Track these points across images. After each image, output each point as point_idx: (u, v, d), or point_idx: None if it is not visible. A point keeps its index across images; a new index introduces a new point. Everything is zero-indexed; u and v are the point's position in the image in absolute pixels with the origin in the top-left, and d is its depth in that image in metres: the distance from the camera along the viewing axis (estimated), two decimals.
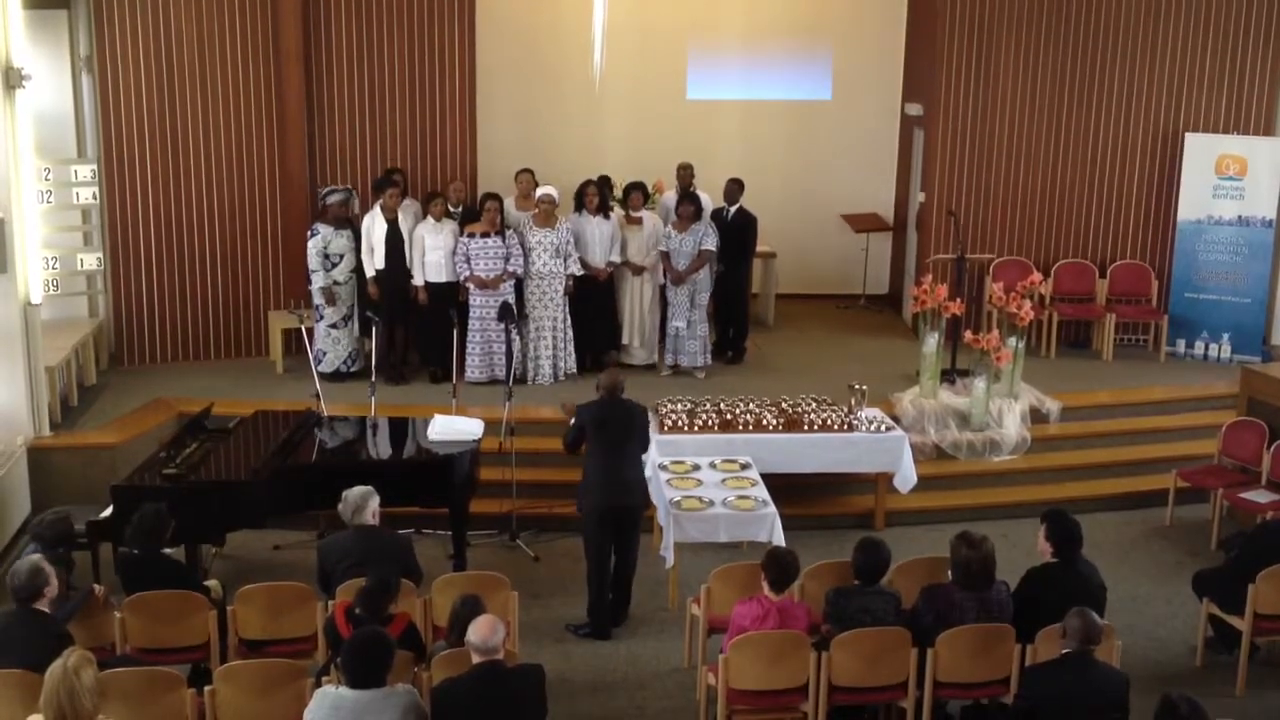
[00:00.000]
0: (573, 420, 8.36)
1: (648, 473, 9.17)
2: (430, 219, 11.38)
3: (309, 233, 11.38)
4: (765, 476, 8.99)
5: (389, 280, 11.35)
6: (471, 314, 11.30)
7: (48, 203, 10.50)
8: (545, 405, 10.78)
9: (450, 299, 11.28)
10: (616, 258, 11.71)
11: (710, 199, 12.25)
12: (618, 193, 12.51)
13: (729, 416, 9.76)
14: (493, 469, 9.52)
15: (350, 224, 11.52)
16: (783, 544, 7.87)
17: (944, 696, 6.85)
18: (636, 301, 11.83)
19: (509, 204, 11.87)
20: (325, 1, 12.03)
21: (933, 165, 13.01)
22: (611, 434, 8.20)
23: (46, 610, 6.32)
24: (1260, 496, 9.40)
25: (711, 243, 11.55)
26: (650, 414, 9.81)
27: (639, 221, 11.79)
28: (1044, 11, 12.67)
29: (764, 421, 9.72)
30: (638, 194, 11.92)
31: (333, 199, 11.42)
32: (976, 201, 12.98)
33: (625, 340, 11.94)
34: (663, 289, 11.79)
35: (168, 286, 11.90)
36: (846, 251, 14.56)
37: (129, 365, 11.90)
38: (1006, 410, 10.70)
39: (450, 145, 12.49)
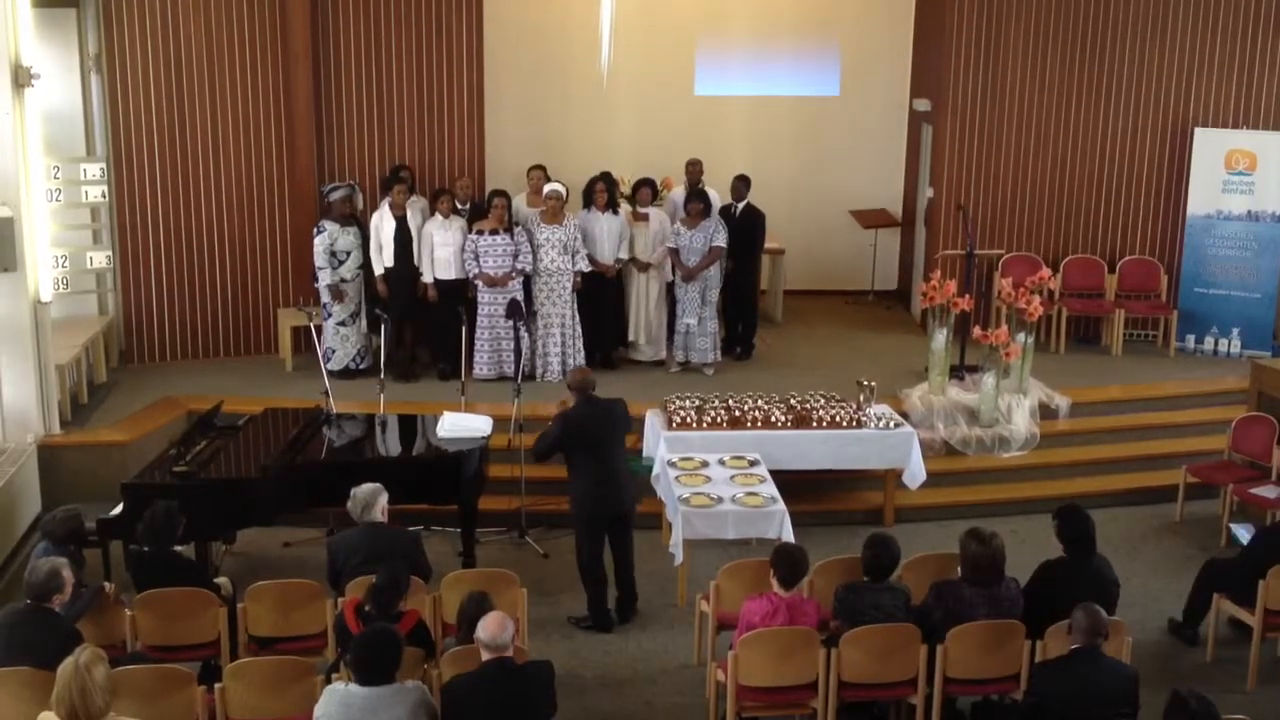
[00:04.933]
0: (551, 424, 8.33)
1: (656, 470, 9.18)
2: (439, 216, 11.39)
3: (315, 230, 11.39)
4: (774, 473, 8.99)
5: (398, 277, 11.37)
6: (480, 311, 11.31)
7: (57, 201, 10.52)
8: (553, 402, 10.76)
9: (459, 296, 11.29)
10: (625, 254, 11.70)
11: (718, 195, 12.25)
12: (623, 189, 12.52)
13: (737, 413, 9.76)
14: (502, 466, 9.54)
15: (356, 220, 11.53)
16: (792, 540, 7.87)
17: (953, 693, 6.84)
18: (643, 298, 11.82)
19: (518, 200, 11.89)
20: (334, 0, 12.05)
21: (941, 161, 12.99)
22: (592, 437, 8.17)
23: (56, 609, 6.34)
24: (1270, 492, 9.38)
25: (722, 239, 11.54)
26: (657, 410, 9.84)
27: (645, 218, 11.78)
28: (1052, 6, 12.64)
29: (772, 418, 9.71)
30: (646, 189, 11.91)
31: (335, 195, 11.43)
32: (985, 197, 12.96)
33: (632, 337, 11.94)
34: (670, 286, 11.79)
35: (177, 284, 11.92)
36: (855, 247, 14.55)
37: (139, 363, 11.93)
38: (1015, 406, 10.69)
39: (458, 142, 12.50)
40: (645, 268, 11.76)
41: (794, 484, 9.25)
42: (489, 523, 9.41)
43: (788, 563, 6.73)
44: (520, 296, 11.16)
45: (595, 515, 8.18)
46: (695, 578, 8.42)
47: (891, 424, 9.81)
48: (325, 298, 11.42)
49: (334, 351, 11.43)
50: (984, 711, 7.09)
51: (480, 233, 11.27)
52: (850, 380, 10.37)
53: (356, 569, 7.01)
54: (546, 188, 11.56)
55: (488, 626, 5.72)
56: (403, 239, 11.33)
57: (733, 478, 8.88)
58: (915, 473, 9.74)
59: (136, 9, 11.39)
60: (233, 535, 9.04)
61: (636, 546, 8.42)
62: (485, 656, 5.72)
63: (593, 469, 8.15)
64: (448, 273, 11.37)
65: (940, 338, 10.82)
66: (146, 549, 7.09)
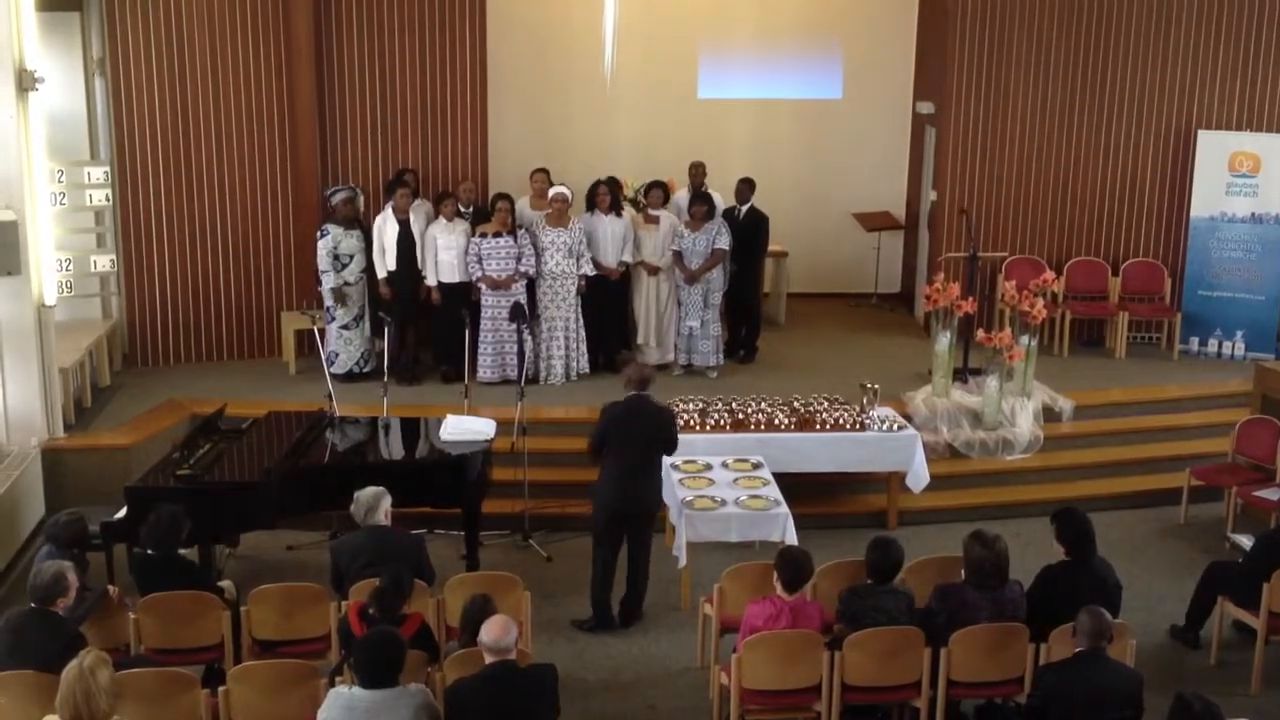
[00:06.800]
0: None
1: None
2: (442, 219, 11.39)
3: (319, 233, 11.39)
4: (777, 476, 8.98)
5: (401, 281, 11.37)
6: (483, 314, 11.31)
7: (61, 204, 10.52)
8: (557, 405, 10.81)
9: (462, 299, 11.29)
10: (628, 257, 11.70)
11: (721, 198, 12.25)
12: (627, 192, 12.52)
13: (741, 416, 9.76)
14: (505, 469, 9.53)
15: (360, 224, 11.53)
16: (795, 543, 7.87)
17: (957, 696, 6.84)
18: (653, 301, 11.80)
19: (522, 203, 11.88)
20: (337, 4, 12.07)
21: (944, 163, 12.99)
22: (632, 437, 8.11)
23: (60, 613, 6.35)
24: (1274, 494, 9.37)
25: (725, 242, 11.54)
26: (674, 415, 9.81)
27: (655, 221, 11.77)
28: (1055, 9, 12.64)
29: (776, 421, 9.71)
30: (657, 192, 11.88)
31: (337, 198, 11.43)
32: (988, 199, 12.95)
33: (641, 340, 11.91)
34: (677, 288, 11.77)
35: (181, 287, 11.93)
36: (858, 250, 14.55)
37: (142, 366, 11.94)
38: (1019, 409, 10.68)
39: (461, 146, 12.51)
40: (655, 270, 11.74)
41: (797, 487, 9.24)
42: (492, 526, 9.40)
43: (791, 566, 6.72)
44: (523, 299, 11.16)
45: (612, 516, 8.16)
46: (698, 580, 8.41)
47: (895, 427, 9.80)
48: (329, 301, 11.42)
49: (337, 355, 11.43)
50: (988, 715, 7.09)
51: (484, 235, 11.27)
52: (853, 383, 10.38)
53: (360, 572, 7.01)
54: (552, 190, 11.56)
55: (491, 629, 5.72)
56: (406, 242, 11.33)
57: (736, 480, 8.87)
58: (919, 475, 9.73)
59: (140, 13, 11.41)
60: (236, 538, 9.04)
61: None
62: (488, 659, 5.72)
63: (621, 468, 8.11)
64: (451, 276, 11.37)
65: (944, 340, 10.81)
66: (150, 552, 7.09)
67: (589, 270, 11.48)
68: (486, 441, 9.02)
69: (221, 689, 6.20)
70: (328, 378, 10.11)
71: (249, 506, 8.23)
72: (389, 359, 10.52)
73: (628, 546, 8.28)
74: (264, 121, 11.95)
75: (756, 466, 9.13)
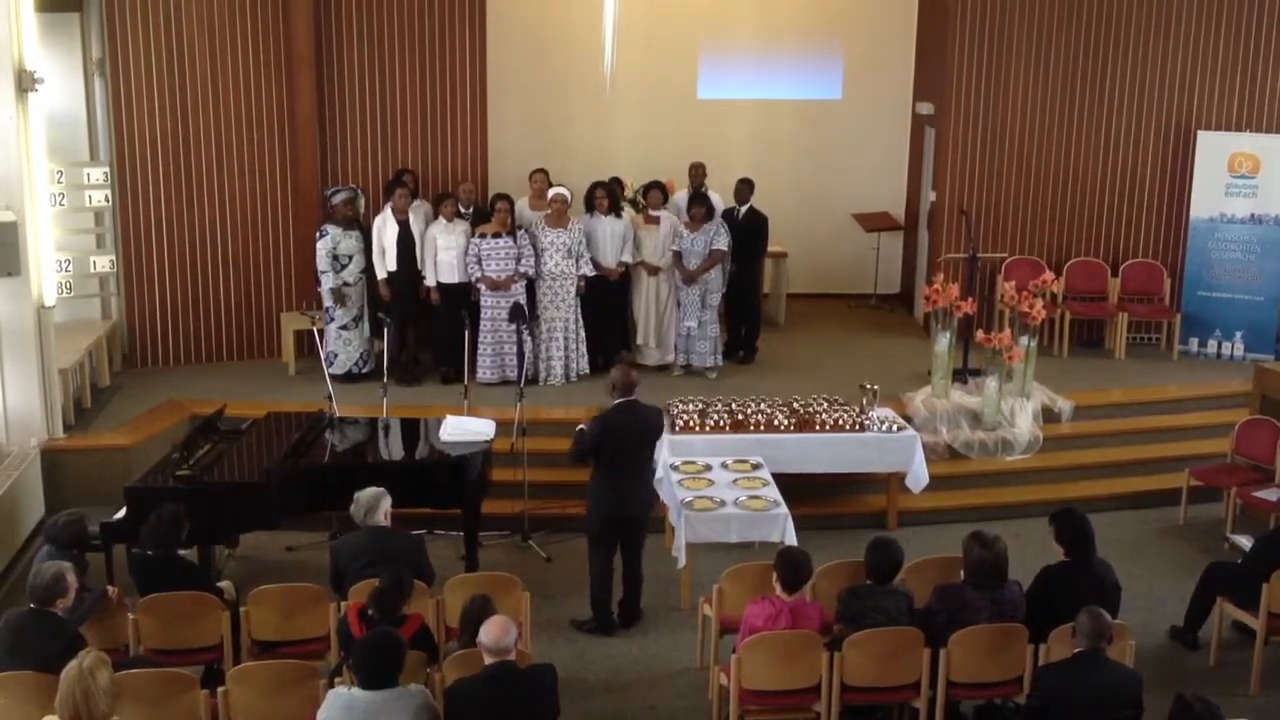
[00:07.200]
0: (582, 428, 8.23)
1: (659, 474, 9.17)
2: (442, 219, 11.40)
3: (318, 234, 11.39)
4: (777, 476, 8.98)
5: (400, 281, 11.37)
6: (483, 315, 11.31)
7: (60, 205, 10.52)
8: (557, 406, 10.81)
9: (462, 300, 11.29)
10: (628, 258, 11.70)
11: (721, 199, 12.25)
12: (629, 193, 12.53)
13: (740, 417, 9.76)
14: (505, 470, 9.53)
15: (359, 224, 11.53)
16: (794, 544, 7.87)
17: (957, 696, 6.84)
18: (652, 301, 11.80)
19: (522, 204, 11.89)
20: (337, 5, 12.07)
21: (944, 164, 12.99)
22: (624, 443, 8.10)
23: (59, 614, 6.35)
24: (1274, 495, 9.37)
25: (723, 242, 11.55)
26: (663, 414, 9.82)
27: (656, 221, 11.77)
28: (1055, 9, 12.64)
29: (775, 421, 9.71)
30: (656, 192, 11.89)
31: (337, 198, 11.42)
32: (988, 200, 12.96)
33: (640, 340, 11.92)
34: (677, 288, 11.77)
35: (180, 288, 11.93)
36: (858, 251, 14.56)
37: (142, 367, 11.94)
38: (1019, 409, 10.68)
39: (460, 146, 12.51)
40: (655, 271, 11.74)
41: (797, 487, 9.23)
42: (492, 526, 9.40)
43: (791, 566, 6.72)
44: (523, 300, 11.16)
45: (610, 518, 8.15)
46: (698, 581, 8.41)
47: (894, 427, 9.80)
48: (328, 301, 11.42)
49: (336, 356, 11.43)
50: (987, 715, 7.09)
51: (483, 236, 11.27)
52: (853, 384, 10.38)
53: (360, 573, 7.01)
54: (552, 191, 11.56)
55: (490, 630, 5.72)
56: (405, 243, 11.33)
57: (735, 481, 8.87)
58: (918, 476, 9.73)
59: (139, 14, 11.41)
60: (236, 539, 9.05)
61: None
62: (488, 660, 5.72)
63: (616, 472, 8.10)
64: (451, 276, 11.37)
65: (943, 341, 10.81)
66: (150, 552, 7.09)
67: (588, 271, 11.48)
68: (486, 442, 9.02)
69: (221, 689, 6.20)
70: (327, 378, 10.11)
71: (249, 507, 8.23)
72: (388, 359, 10.52)
73: (622, 549, 8.29)
74: (264, 122, 11.95)
75: (756, 467, 9.13)
